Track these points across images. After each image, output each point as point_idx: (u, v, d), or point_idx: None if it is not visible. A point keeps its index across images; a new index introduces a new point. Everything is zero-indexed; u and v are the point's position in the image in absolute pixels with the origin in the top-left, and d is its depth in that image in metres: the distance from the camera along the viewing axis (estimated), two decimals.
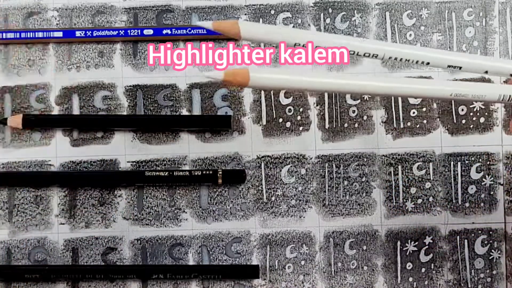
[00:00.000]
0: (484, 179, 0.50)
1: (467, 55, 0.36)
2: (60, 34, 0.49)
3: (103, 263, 0.49)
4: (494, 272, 0.50)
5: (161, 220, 0.49)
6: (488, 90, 0.34)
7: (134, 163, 0.49)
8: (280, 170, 0.50)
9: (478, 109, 0.50)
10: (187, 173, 0.48)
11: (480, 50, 0.50)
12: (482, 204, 0.50)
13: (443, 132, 0.50)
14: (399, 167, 0.50)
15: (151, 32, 0.49)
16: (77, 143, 0.49)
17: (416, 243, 0.50)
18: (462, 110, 0.50)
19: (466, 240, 0.50)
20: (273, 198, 0.49)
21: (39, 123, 0.49)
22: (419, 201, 0.50)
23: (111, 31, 0.49)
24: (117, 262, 0.49)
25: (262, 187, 0.49)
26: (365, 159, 0.50)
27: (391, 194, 0.50)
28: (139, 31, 0.49)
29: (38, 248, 0.49)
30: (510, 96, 0.34)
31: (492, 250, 0.50)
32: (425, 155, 0.50)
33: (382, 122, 0.50)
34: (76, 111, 0.50)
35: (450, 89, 0.33)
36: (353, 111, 0.50)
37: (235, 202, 0.49)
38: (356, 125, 0.50)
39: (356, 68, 0.50)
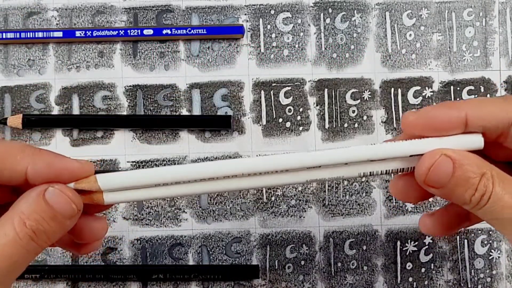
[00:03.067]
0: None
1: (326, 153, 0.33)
2: (60, 34, 0.49)
3: (103, 263, 0.49)
4: (494, 272, 0.50)
5: (161, 220, 0.49)
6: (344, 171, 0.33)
7: (134, 163, 0.49)
8: None
9: None
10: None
11: (480, 50, 0.50)
12: None
13: None
14: None
15: (151, 32, 0.49)
16: (77, 143, 0.49)
17: (416, 243, 0.50)
18: None
19: (466, 240, 0.50)
20: (273, 198, 0.49)
21: (39, 123, 0.49)
22: None
23: (111, 31, 0.49)
24: (117, 262, 0.49)
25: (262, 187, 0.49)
26: None
27: (391, 194, 0.50)
28: (139, 31, 0.49)
29: None
30: (369, 172, 0.33)
31: (492, 250, 0.50)
32: None
33: (382, 122, 0.50)
34: (76, 111, 0.50)
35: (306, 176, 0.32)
36: (353, 111, 0.50)
37: (235, 202, 0.49)
38: (356, 125, 0.50)
39: (356, 68, 0.50)
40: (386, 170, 0.33)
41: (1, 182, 0.31)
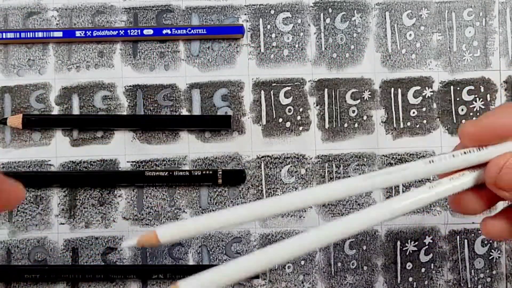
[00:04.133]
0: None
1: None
2: (60, 34, 0.49)
3: (103, 263, 0.49)
4: (494, 272, 0.50)
5: (161, 220, 0.49)
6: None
7: (134, 163, 0.49)
8: (280, 170, 0.50)
9: (478, 109, 0.50)
10: (187, 173, 0.48)
11: (480, 50, 0.50)
12: None
13: (443, 132, 0.50)
14: None
15: (151, 32, 0.49)
16: (77, 143, 0.49)
17: (416, 243, 0.50)
18: (462, 110, 0.50)
19: (466, 240, 0.50)
20: None
21: (39, 123, 0.49)
22: None
23: (111, 31, 0.49)
24: (117, 262, 0.49)
25: (262, 187, 0.49)
26: (365, 159, 0.50)
27: (391, 194, 0.50)
28: (139, 31, 0.49)
29: (38, 248, 0.49)
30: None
31: (492, 250, 0.50)
32: (425, 155, 0.50)
33: (382, 122, 0.50)
34: (76, 111, 0.50)
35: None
36: (353, 111, 0.50)
37: (235, 202, 0.49)
38: (356, 125, 0.50)
39: (356, 68, 0.50)
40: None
41: None
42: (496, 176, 0.31)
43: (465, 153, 0.32)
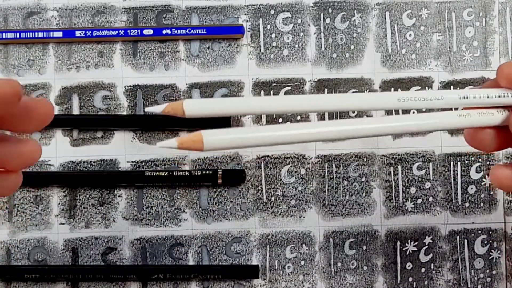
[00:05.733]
0: (484, 179, 0.50)
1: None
2: (60, 34, 0.49)
3: (103, 263, 0.49)
4: (494, 272, 0.50)
5: (161, 220, 0.49)
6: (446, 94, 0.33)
7: (134, 163, 0.49)
8: (280, 170, 0.50)
9: None
10: (187, 173, 0.48)
11: (480, 50, 0.50)
12: (482, 204, 0.50)
13: (443, 132, 0.50)
14: (399, 167, 0.50)
15: (151, 32, 0.49)
16: (77, 143, 0.49)
17: (416, 243, 0.50)
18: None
19: (466, 240, 0.50)
20: (273, 198, 0.49)
21: None
22: (419, 201, 0.50)
23: (111, 31, 0.49)
24: (117, 262, 0.49)
25: (262, 187, 0.49)
26: (365, 159, 0.50)
27: (391, 194, 0.50)
28: (139, 31, 0.49)
29: (38, 248, 0.49)
30: (466, 96, 0.34)
31: (492, 250, 0.50)
32: (425, 155, 0.50)
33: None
34: (76, 111, 0.50)
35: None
36: (353, 111, 0.50)
37: (235, 202, 0.49)
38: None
39: (356, 68, 0.50)
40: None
41: None
42: None
43: (499, 96, 0.33)
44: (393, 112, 0.48)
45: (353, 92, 0.50)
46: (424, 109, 0.34)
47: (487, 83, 0.35)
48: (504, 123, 0.34)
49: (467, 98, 0.33)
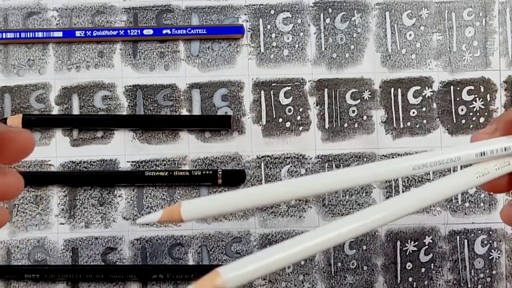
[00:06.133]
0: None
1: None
2: (60, 34, 0.49)
3: (103, 263, 0.49)
4: (494, 272, 0.50)
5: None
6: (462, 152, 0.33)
7: (134, 163, 0.49)
8: (280, 170, 0.50)
9: (478, 109, 0.50)
10: (187, 173, 0.48)
11: (480, 50, 0.50)
12: (482, 204, 0.50)
13: (443, 132, 0.50)
14: None
15: (151, 32, 0.49)
16: (77, 143, 0.49)
17: (416, 243, 0.50)
18: (462, 110, 0.50)
19: (466, 240, 0.50)
20: None
21: (39, 123, 0.49)
22: None
23: (111, 31, 0.49)
24: (117, 262, 0.49)
25: None
26: (365, 159, 0.50)
27: (391, 194, 0.50)
28: (139, 31, 0.49)
29: (38, 248, 0.49)
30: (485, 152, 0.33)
31: (492, 250, 0.50)
32: None
33: (382, 122, 0.50)
34: (76, 111, 0.50)
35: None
36: (353, 111, 0.50)
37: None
38: (356, 125, 0.50)
39: (356, 68, 0.50)
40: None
41: None
42: None
43: None
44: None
45: (353, 92, 0.50)
46: None
47: (492, 127, 0.34)
48: None
49: (484, 154, 0.33)
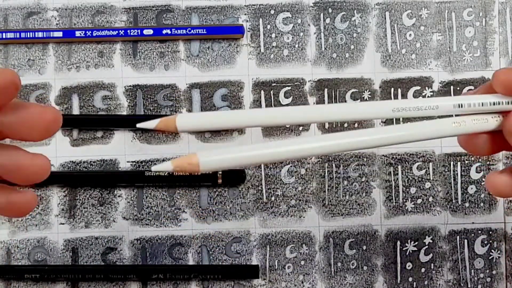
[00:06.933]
0: (484, 179, 0.50)
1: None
2: (60, 34, 0.49)
3: (103, 263, 0.49)
4: (494, 272, 0.50)
5: (161, 220, 0.49)
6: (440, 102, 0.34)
7: (134, 163, 0.49)
8: (280, 170, 0.50)
9: None
10: (187, 173, 0.48)
11: (480, 50, 0.50)
12: (482, 204, 0.50)
13: None
14: (399, 167, 0.50)
15: (151, 32, 0.49)
16: (77, 143, 0.49)
17: (416, 243, 0.50)
18: None
19: (466, 240, 0.50)
20: (273, 198, 0.49)
21: None
22: (419, 201, 0.50)
23: (111, 31, 0.49)
24: (117, 262, 0.49)
25: (262, 187, 0.49)
26: (365, 159, 0.50)
27: (391, 194, 0.50)
28: (139, 31, 0.49)
29: (38, 248, 0.49)
30: (462, 104, 0.34)
31: (492, 250, 0.50)
32: (425, 155, 0.50)
33: (382, 122, 0.50)
34: (76, 111, 0.50)
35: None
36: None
37: (235, 202, 0.49)
38: (356, 125, 0.50)
39: (356, 68, 0.50)
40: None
41: None
42: None
43: (494, 103, 0.33)
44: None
45: (353, 92, 0.50)
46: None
47: (481, 88, 0.35)
48: (498, 129, 0.33)
49: (461, 106, 0.33)
